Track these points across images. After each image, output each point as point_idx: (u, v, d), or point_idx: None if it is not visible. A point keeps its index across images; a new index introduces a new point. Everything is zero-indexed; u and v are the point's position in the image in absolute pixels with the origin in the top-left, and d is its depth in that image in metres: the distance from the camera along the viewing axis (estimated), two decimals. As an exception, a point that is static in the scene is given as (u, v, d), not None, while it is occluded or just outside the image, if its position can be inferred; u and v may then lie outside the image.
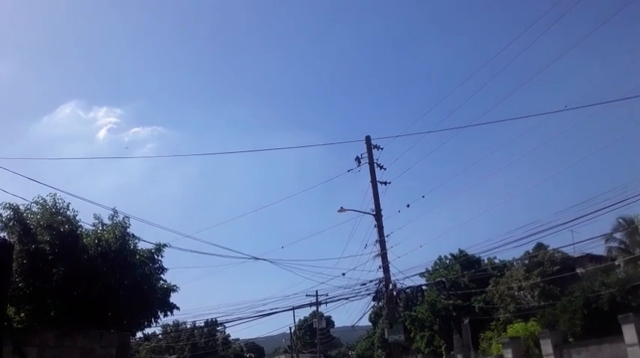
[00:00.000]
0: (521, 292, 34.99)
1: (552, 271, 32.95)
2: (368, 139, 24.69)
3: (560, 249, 34.04)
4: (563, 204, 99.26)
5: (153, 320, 16.61)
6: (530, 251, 35.29)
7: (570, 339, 24.89)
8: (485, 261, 40.96)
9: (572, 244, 26.46)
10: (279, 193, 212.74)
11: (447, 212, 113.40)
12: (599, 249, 33.09)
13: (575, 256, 34.41)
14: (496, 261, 40.29)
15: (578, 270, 32.92)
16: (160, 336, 56.79)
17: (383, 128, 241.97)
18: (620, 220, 31.59)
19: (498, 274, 38.35)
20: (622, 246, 32.41)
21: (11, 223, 13.88)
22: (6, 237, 13.19)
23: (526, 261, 36.10)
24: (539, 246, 34.87)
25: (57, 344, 12.87)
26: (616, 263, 30.78)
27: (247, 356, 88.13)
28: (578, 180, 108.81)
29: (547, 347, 24.15)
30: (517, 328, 29.90)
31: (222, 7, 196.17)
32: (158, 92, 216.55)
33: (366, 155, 24.44)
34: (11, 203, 14.00)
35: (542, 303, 31.84)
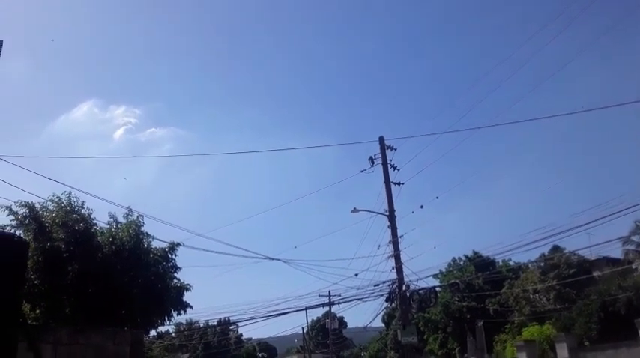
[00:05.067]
0: (537, 295, 34.69)
1: (568, 274, 32.61)
2: (381, 140, 24.59)
3: (576, 252, 33.69)
4: (579, 206, 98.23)
5: (166, 318, 16.69)
6: (546, 253, 34.94)
7: (586, 343, 24.60)
8: (500, 263, 40.66)
9: (588, 247, 26.26)
10: (292, 193, 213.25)
11: (461, 213, 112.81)
12: (616, 252, 32.73)
13: (592, 259, 34.04)
14: (511, 263, 40.00)
15: (595, 273, 32.56)
16: (173, 334, 57.09)
17: (397, 129, 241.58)
18: (638, 223, 31.16)
19: (513, 276, 38.06)
20: (639, 249, 31.98)
21: (27, 221, 14.01)
22: (22, 235, 13.31)
23: (541, 264, 35.76)
24: (555, 249, 34.48)
25: (71, 341, 12.95)
26: (633, 266, 30.39)
27: (260, 355, 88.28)
28: (595, 183, 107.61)
29: (562, 350, 23.88)
30: (532, 331, 29.63)
31: (238, 9, 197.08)
32: (176, 93, 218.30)
33: (380, 155, 24.35)
34: (27, 201, 14.13)
35: (558, 306, 31.54)
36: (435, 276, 37.84)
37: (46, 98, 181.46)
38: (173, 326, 48.81)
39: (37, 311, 14.09)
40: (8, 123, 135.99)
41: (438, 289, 29.11)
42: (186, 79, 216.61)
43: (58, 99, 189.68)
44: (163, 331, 29.74)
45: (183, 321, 53.58)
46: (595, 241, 35.60)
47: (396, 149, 24.55)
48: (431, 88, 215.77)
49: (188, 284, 16.91)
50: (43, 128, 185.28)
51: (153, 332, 20.84)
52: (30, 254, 12.48)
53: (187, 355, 66.60)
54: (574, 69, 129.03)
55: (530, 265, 37.28)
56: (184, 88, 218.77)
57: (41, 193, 15.15)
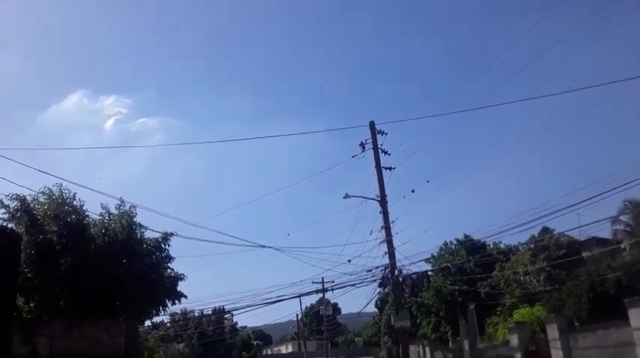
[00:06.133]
0: (527, 277, 34.98)
1: (558, 255, 32.85)
2: (372, 124, 24.57)
3: (566, 233, 33.87)
4: (568, 187, 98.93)
5: (161, 308, 16.75)
6: (536, 235, 35.17)
7: (576, 324, 24.87)
8: (491, 246, 40.91)
9: (578, 227, 26.33)
10: (284, 181, 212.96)
11: (452, 197, 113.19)
12: (605, 232, 32.87)
13: (582, 240, 34.28)
14: (501, 245, 40.22)
15: (584, 254, 32.81)
16: (168, 325, 57.20)
17: (387, 113, 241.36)
18: (626, 203, 31.37)
19: (504, 259, 38.33)
20: (628, 229, 32.22)
21: (18, 214, 13.98)
22: (14, 228, 13.27)
23: (532, 246, 36.00)
24: (545, 230, 34.72)
25: (66, 333, 12.97)
26: (622, 246, 30.64)
27: (255, 343, 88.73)
28: (584, 163, 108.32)
29: (553, 331, 24.11)
30: (523, 313, 29.90)
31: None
32: (166, 82, 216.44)
33: (371, 141, 24.36)
34: (18, 194, 14.10)
35: (548, 288, 31.84)
36: (426, 261, 38.07)
37: (36, 89, 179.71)
38: (168, 317, 48.83)
39: (31, 305, 14.11)
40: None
41: (430, 273, 29.36)
42: (176, 68, 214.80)
43: (47, 90, 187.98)
44: (158, 321, 29.89)
45: (178, 311, 53.72)
46: (584, 221, 35.87)
47: (386, 134, 24.56)
48: (421, 74, 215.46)
49: (182, 274, 16.97)
50: (33, 119, 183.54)
51: (148, 323, 20.93)
52: (22, 247, 12.47)
53: (183, 344, 66.80)
54: (563, 49, 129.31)
55: (520, 247, 37.56)
56: (174, 76, 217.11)
57: (32, 185, 15.12)
